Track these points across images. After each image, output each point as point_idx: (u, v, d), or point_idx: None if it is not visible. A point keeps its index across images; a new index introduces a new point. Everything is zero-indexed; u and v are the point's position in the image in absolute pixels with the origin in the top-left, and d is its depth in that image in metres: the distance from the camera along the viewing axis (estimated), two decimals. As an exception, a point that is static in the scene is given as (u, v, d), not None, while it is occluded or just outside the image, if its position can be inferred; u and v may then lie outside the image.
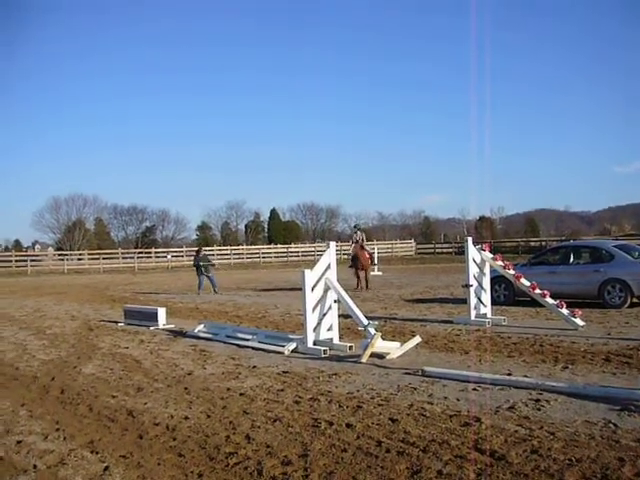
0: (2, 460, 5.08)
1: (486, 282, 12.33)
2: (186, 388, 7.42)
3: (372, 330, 8.93)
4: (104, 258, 46.70)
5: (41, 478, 4.65)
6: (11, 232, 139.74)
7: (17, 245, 79.56)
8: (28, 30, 75.18)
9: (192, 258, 25.88)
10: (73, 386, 7.77)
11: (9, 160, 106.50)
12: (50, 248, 71.90)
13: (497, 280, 14.10)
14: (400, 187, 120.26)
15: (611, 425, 5.32)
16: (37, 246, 78.38)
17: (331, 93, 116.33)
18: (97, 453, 5.18)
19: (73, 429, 5.91)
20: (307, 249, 53.32)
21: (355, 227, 24.57)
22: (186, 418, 6.14)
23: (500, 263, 12.17)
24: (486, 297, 12.27)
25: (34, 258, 50.60)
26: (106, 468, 4.81)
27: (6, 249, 73.91)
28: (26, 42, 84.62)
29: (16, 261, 44.47)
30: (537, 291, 11.59)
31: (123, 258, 47.98)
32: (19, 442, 5.55)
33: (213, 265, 23.24)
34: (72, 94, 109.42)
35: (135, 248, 63.71)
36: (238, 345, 10.36)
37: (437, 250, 55.55)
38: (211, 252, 49.56)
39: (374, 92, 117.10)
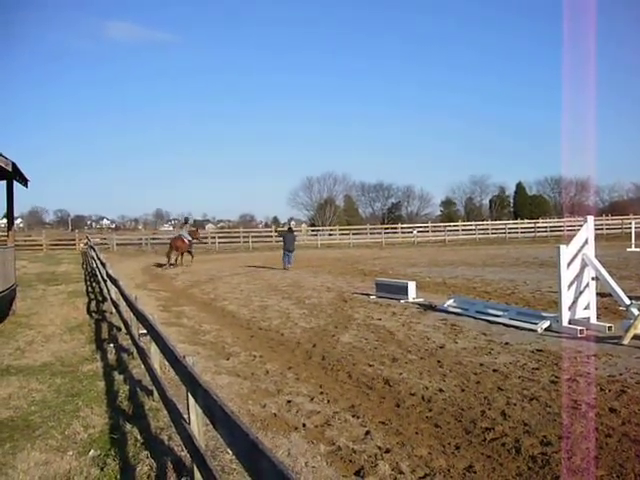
0: (276, 417, 5.62)
1: None
2: (439, 361, 7.54)
3: (635, 310, 8.37)
4: (354, 233, 48.58)
5: (310, 436, 5.06)
6: (270, 210, 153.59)
7: (275, 222, 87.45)
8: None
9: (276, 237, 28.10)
10: (333, 353, 8.31)
11: (268, 147, 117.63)
12: (304, 224, 77.19)
13: None
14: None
15: None
16: (292, 222, 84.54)
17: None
18: (358, 417, 5.49)
19: (335, 393, 6.34)
20: (556, 224, 50.37)
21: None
22: (440, 390, 6.24)
23: None
24: None
25: (291, 234, 54.30)
26: (367, 432, 5.08)
27: (266, 225, 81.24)
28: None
29: (276, 236, 48.24)
30: None
31: (371, 233, 49.57)
32: (289, 402, 6.08)
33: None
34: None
35: (381, 224, 65.64)
36: (488, 321, 10.24)
37: None
38: (455, 227, 49.32)
39: None
